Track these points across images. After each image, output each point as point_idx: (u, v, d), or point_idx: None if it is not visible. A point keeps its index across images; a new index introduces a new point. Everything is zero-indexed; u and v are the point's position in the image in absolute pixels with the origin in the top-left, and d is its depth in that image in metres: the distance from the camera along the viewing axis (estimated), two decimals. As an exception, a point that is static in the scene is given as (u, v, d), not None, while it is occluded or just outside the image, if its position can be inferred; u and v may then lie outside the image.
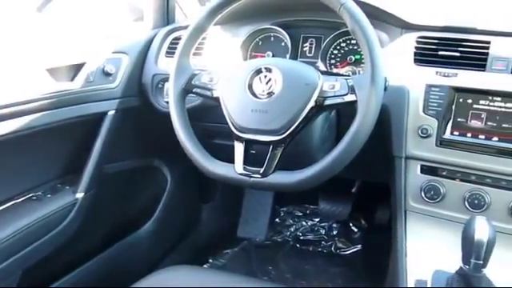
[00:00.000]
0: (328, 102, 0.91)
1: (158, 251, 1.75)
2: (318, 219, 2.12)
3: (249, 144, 0.95)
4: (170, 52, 1.38)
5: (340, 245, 2.00)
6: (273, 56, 1.32)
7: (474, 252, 0.86)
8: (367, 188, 1.93)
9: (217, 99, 0.99)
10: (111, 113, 1.32)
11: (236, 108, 0.96)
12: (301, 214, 2.16)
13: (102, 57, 1.28)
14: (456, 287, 0.93)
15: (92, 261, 1.44)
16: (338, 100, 0.90)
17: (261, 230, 2.06)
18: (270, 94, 0.92)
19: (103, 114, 1.31)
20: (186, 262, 1.52)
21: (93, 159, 1.31)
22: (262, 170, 0.92)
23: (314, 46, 1.30)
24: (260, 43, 1.35)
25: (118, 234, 1.56)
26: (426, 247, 1.09)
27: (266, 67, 0.94)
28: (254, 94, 0.94)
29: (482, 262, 0.86)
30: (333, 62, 1.27)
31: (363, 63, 1.21)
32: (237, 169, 0.94)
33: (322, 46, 1.25)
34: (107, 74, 1.29)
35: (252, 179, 0.93)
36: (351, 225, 2.03)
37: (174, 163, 1.69)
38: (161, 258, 1.76)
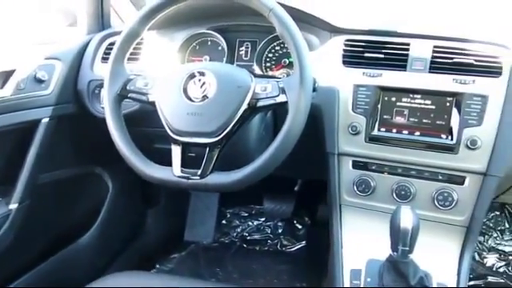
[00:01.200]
0: (261, 103, 0.94)
1: (103, 258, 1.72)
2: (263, 219, 2.16)
3: (186, 147, 0.97)
4: (106, 58, 1.36)
5: (285, 242, 2.05)
6: (210, 60, 1.35)
7: (401, 239, 0.93)
8: (309, 186, 1.99)
9: (153, 103, 1.00)
10: (45, 120, 1.29)
11: (172, 112, 0.97)
12: (247, 214, 2.20)
13: (33, 63, 1.25)
14: (387, 274, 1.00)
15: (33, 271, 1.39)
16: (270, 101, 0.94)
17: (208, 233, 2.06)
18: (204, 97, 0.94)
19: (37, 122, 1.28)
20: (133, 267, 1.50)
21: (27, 169, 1.27)
22: (199, 172, 0.94)
23: (249, 49, 1.33)
24: (197, 48, 1.37)
25: (60, 243, 1.52)
26: (361, 238, 1.16)
27: (199, 71, 0.96)
28: (189, 98, 0.96)
29: (408, 249, 0.93)
30: (268, 64, 1.31)
31: None
32: (174, 171, 0.96)
33: (257, 50, 1.29)
34: (39, 81, 1.26)
35: (190, 181, 0.95)
36: (295, 222, 2.09)
37: (114, 169, 1.67)
38: (106, 265, 1.72)
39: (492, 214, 1.91)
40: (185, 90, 0.96)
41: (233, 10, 1.28)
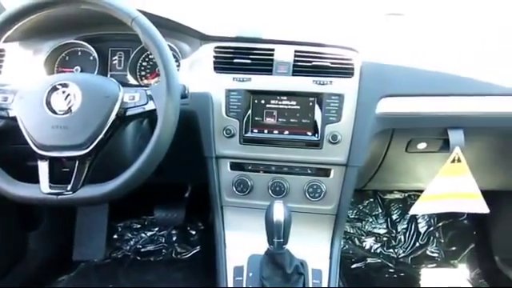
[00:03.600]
0: (130, 112, 0.95)
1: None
2: (156, 229, 2.13)
3: (54, 162, 0.93)
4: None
5: (180, 250, 2.05)
6: (81, 71, 1.31)
7: (275, 232, 0.99)
8: (200, 190, 2.01)
9: (14, 119, 0.95)
10: None
11: (35, 126, 0.93)
12: (139, 226, 2.15)
13: None
14: (266, 267, 1.06)
15: None
16: (139, 110, 0.95)
17: (98, 250, 1.98)
18: (69, 109, 0.92)
19: None
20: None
21: None
22: (69, 187, 0.91)
23: (122, 58, 1.32)
24: (67, 58, 1.32)
25: None
26: (243, 236, 1.21)
27: (61, 83, 0.93)
28: (53, 111, 0.92)
29: (282, 240, 1.00)
30: (143, 73, 1.31)
31: None
32: (42, 188, 0.92)
33: (131, 59, 1.28)
34: None
35: (60, 197, 0.91)
36: (189, 228, 2.09)
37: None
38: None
39: (367, 202, 2.10)
40: (48, 103, 0.93)
41: (101, 20, 1.25)
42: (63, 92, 0.93)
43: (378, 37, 1.27)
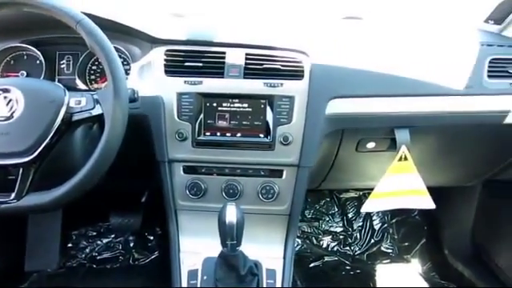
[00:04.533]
0: (76, 117, 0.93)
1: None
2: (113, 235, 2.08)
3: None
4: None
5: (137, 256, 2.01)
6: (27, 75, 1.27)
7: (228, 235, 1.00)
8: (156, 195, 1.99)
9: None
10: None
11: None
12: (95, 233, 2.09)
13: None
14: (220, 269, 1.06)
15: None
16: (86, 114, 0.93)
17: (51, 259, 1.91)
18: (11, 115, 0.89)
19: None
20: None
21: None
22: (13, 195, 0.89)
23: (71, 62, 1.29)
24: (12, 62, 1.28)
25: None
26: (197, 239, 1.21)
27: (2, 88, 0.90)
28: None
29: (235, 242, 1.00)
30: (93, 77, 1.28)
31: None
32: None
33: (79, 63, 1.26)
34: None
35: (3, 206, 0.88)
36: (146, 234, 2.06)
37: None
38: None
39: (323, 201, 2.15)
40: None
41: (46, 23, 1.21)
42: (4, 97, 0.90)
43: (330, 40, 1.30)
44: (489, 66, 1.24)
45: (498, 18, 1.49)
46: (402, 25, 1.60)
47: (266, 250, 1.18)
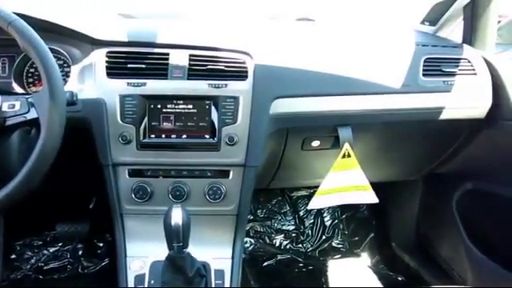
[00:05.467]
0: (10, 122, 0.89)
1: None
2: (60, 244, 2.01)
3: None
4: None
5: (87, 264, 1.95)
6: None
7: (175, 237, 0.99)
8: (104, 200, 1.94)
9: None
10: None
11: None
12: (41, 242, 2.01)
13: None
14: (167, 272, 1.05)
15: None
16: (20, 119, 0.90)
17: (-7, 272, 1.83)
18: None
19: None
20: None
21: None
22: None
23: (6, 65, 1.23)
24: None
25: None
26: (144, 243, 1.19)
27: None
28: None
29: (182, 244, 1.00)
30: (30, 80, 1.24)
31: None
32: None
33: (15, 65, 1.21)
34: None
35: None
36: (95, 241, 2.00)
37: None
38: None
39: (275, 200, 2.17)
40: None
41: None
42: None
43: (274, 41, 1.32)
44: (424, 65, 1.30)
45: (432, 19, 1.57)
46: (345, 26, 1.66)
47: (215, 250, 1.18)
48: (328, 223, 2.17)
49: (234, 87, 1.16)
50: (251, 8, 1.94)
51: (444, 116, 1.30)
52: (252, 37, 1.32)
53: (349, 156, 1.28)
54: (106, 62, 1.17)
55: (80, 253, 1.99)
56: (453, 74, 1.32)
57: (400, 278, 1.95)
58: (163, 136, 1.16)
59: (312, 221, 2.17)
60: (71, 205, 1.89)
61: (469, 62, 1.35)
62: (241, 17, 1.80)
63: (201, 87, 1.16)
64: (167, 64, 1.17)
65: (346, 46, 1.35)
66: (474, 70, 1.34)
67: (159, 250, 1.09)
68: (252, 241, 2.09)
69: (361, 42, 1.41)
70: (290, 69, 1.23)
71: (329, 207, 2.16)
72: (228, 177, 1.20)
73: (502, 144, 1.36)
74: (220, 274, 1.15)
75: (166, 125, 1.16)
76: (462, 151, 1.51)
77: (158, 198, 1.19)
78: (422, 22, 1.63)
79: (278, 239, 2.13)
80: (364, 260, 2.08)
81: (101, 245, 2.01)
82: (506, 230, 1.49)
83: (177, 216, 0.99)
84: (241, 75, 1.18)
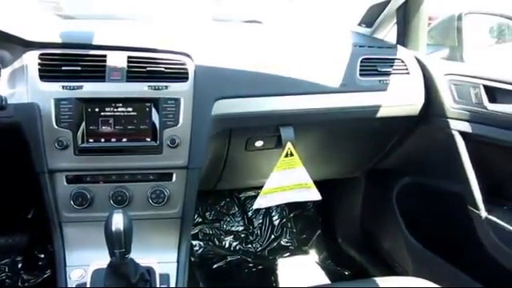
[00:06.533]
0: None
1: None
2: (-3, 258, 1.90)
3: None
4: None
5: (27, 277, 1.86)
6: None
7: (116, 243, 0.96)
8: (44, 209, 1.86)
9: None
10: None
11: None
12: (-25, 257, 1.90)
13: None
14: (110, 279, 1.02)
15: None
16: None
17: None
18: None
19: None
20: None
21: None
22: None
23: None
24: None
25: None
26: (85, 251, 1.15)
27: None
28: None
29: (124, 250, 0.97)
30: None
31: None
32: None
33: None
34: None
35: None
36: (36, 252, 1.91)
37: None
38: None
39: (224, 202, 2.17)
40: None
41: None
42: None
43: (215, 42, 1.32)
44: (361, 65, 1.35)
45: (368, 21, 1.64)
46: (289, 29, 1.69)
47: (159, 254, 1.16)
48: (276, 222, 2.20)
49: (174, 89, 1.15)
50: (199, 11, 1.94)
51: (381, 114, 1.36)
52: (193, 38, 1.31)
53: (291, 155, 1.30)
54: (39, 64, 1.12)
55: (19, 266, 1.90)
56: (388, 74, 1.38)
57: (347, 273, 2.01)
58: (102, 140, 1.13)
59: (261, 221, 2.19)
60: (8, 215, 1.79)
61: (402, 62, 1.42)
62: (184, 19, 1.79)
63: (140, 89, 1.14)
64: (104, 66, 1.14)
65: (287, 48, 1.37)
66: (407, 69, 1.41)
67: (101, 258, 1.06)
68: (201, 243, 2.08)
69: (302, 43, 1.44)
70: (232, 70, 1.23)
71: (277, 207, 2.19)
72: (171, 179, 1.19)
73: (435, 139, 1.44)
74: (165, 278, 1.13)
75: (105, 128, 1.13)
76: (399, 147, 1.58)
77: (98, 204, 1.15)
78: (360, 24, 1.69)
79: (228, 240, 2.13)
80: (312, 257, 2.13)
81: (42, 256, 1.92)
82: (441, 221, 1.57)
83: (118, 221, 0.96)
84: (181, 77, 1.17)
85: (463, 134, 1.32)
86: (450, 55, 1.59)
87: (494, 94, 1.25)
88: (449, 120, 1.34)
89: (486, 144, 1.27)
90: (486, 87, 1.26)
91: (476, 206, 1.30)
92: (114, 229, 0.95)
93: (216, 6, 2.27)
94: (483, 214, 1.29)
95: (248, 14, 1.97)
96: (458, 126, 1.33)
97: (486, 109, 1.25)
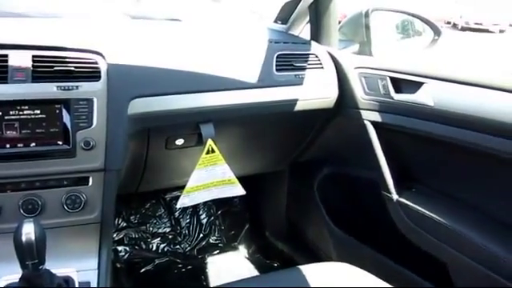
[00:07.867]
0: None
1: None
2: None
3: None
4: None
5: None
6: None
7: (27, 254, 0.90)
8: None
9: None
10: None
11: None
12: None
13: None
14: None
15: None
16: None
17: None
18: None
19: None
20: None
21: None
22: None
23: None
24: None
25: None
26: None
27: None
28: None
29: (37, 261, 0.91)
30: None
31: None
32: None
33: None
34: None
35: None
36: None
37: None
38: None
39: (149, 204, 2.11)
40: None
41: None
42: None
43: (128, 40, 1.29)
44: (277, 61, 1.38)
45: (283, 18, 1.68)
46: (207, 26, 1.69)
47: (78, 262, 1.10)
48: (204, 221, 2.19)
49: (86, 89, 1.10)
50: (117, 9, 1.88)
51: (298, 107, 1.40)
52: (105, 36, 1.27)
53: (213, 152, 1.30)
54: None
55: None
56: (303, 68, 1.42)
57: (275, 264, 2.05)
58: (8, 146, 1.05)
59: (188, 220, 2.16)
60: None
61: (316, 56, 1.47)
62: (98, 17, 1.72)
63: (48, 90, 1.07)
64: (6, 66, 1.06)
65: (205, 45, 1.37)
66: (321, 64, 1.46)
67: (12, 271, 0.99)
68: (127, 248, 2.01)
69: (219, 40, 1.44)
70: (148, 67, 1.21)
71: (204, 205, 2.18)
72: (87, 183, 1.13)
73: (350, 130, 1.51)
74: (85, 285, 1.08)
75: (10, 133, 1.05)
76: (318, 139, 1.64)
77: (6, 214, 1.07)
78: (275, 21, 1.73)
79: (155, 243, 2.08)
80: (241, 252, 2.14)
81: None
82: (359, 207, 1.66)
83: (28, 231, 0.90)
84: (93, 76, 1.12)
85: (374, 123, 1.39)
86: (360, 50, 1.67)
87: (399, 84, 1.34)
88: (361, 111, 1.42)
89: (394, 132, 1.36)
90: (392, 79, 1.35)
91: (388, 190, 1.39)
92: (24, 239, 0.89)
93: (136, 4, 2.22)
94: (395, 197, 1.38)
95: (168, 12, 1.94)
96: (369, 116, 1.40)
97: (393, 99, 1.33)
